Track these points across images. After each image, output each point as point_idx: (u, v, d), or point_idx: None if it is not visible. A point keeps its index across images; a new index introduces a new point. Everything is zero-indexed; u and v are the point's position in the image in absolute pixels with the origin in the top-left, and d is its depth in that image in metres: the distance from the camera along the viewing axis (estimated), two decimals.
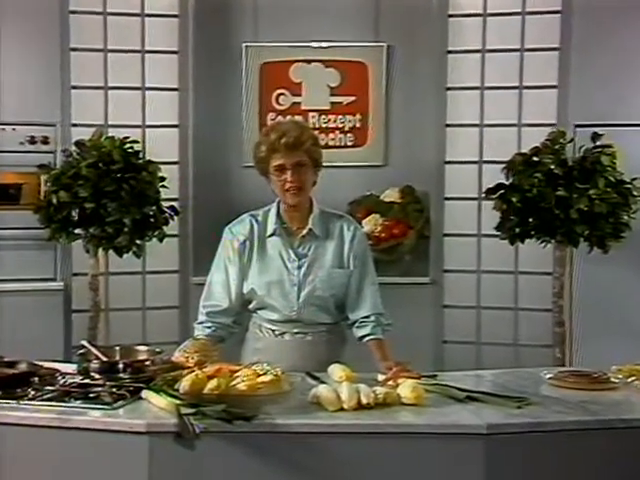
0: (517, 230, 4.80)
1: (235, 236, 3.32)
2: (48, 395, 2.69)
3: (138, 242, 4.85)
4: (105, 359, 2.94)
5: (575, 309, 5.22)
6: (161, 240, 4.94)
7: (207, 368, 2.69)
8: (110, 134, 4.98)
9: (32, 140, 5.22)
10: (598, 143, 4.70)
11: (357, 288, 3.30)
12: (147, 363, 2.89)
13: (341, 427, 2.53)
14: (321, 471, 2.52)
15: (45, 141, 5.23)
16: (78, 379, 2.85)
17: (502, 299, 5.45)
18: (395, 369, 2.97)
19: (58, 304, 5.26)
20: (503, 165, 4.83)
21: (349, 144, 5.70)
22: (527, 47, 5.35)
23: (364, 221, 5.40)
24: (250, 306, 3.34)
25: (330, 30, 5.56)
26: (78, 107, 5.31)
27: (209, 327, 3.28)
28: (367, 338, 3.28)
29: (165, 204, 4.97)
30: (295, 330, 3.29)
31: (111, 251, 4.88)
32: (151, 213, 4.86)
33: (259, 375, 2.61)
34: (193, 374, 2.61)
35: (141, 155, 4.95)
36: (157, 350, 3.02)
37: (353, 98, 5.68)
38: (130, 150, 4.84)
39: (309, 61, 5.66)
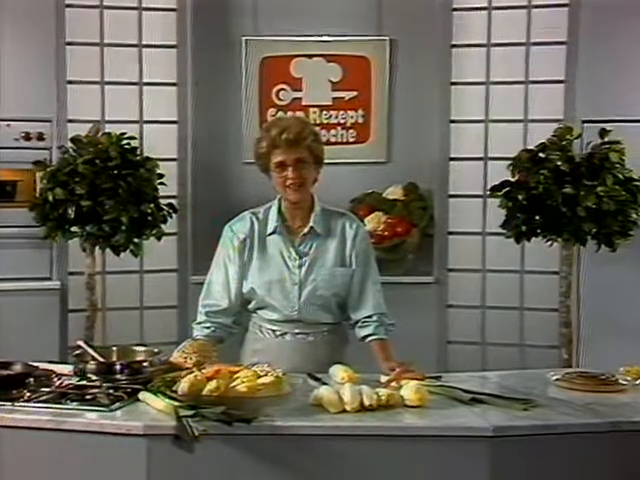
0: (523, 228, 4.77)
1: (235, 234, 3.32)
2: (44, 397, 2.70)
3: (136, 240, 4.83)
4: (102, 360, 2.94)
5: (582, 309, 5.19)
6: (159, 238, 4.92)
7: (206, 369, 2.68)
8: (107, 130, 4.96)
9: (27, 136, 5.18)
10: (606, 139, 4.67)
11: (359, 287, 3.30)
12: (145, 364, 2.89)
13: (343, 429, 2.53)
14: (323, 474, 2.52)
15: (40, 137, 5.19)
16: (74, 380, 2.86)
17: (507, 299, 5.41)
18: (398, 370, 2.98)
19: (54, 304, 5.22)
20: (509, 162, 4.80)
21: (351, 140, 5.68)
22: (533, 41, 5.29)
23: (366, 219, 5.36)
24: (250, 306, 3.33)
25: (332, 24, 5.53)
26: (74, 102, 5.25)
27: (208, 327, 3.28)
28: (370, 338, 3.28)
29: (163, 202, 4.94)
30: (296, 330, 3.28)
31: (108, 250, 4.86)
32: (149, 211, 4.82)
33: (259, 376, 2.61)
34: (192, 375, 2.61)
35: (139, 152, 4.93)
36: (155, 351, 3.02)
37: (355, 93, 5.66)
38: (127, 146, 4.81)
39: (310, 55, 5.63)
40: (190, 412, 2.48)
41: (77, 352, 3.01)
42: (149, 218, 4.83)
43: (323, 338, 3.29)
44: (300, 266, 3.25)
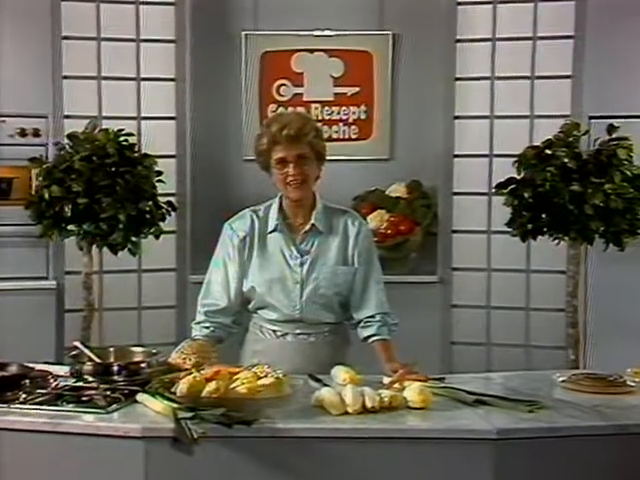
0: (529, 226, 4.74)
1: (235, 232, 3.30)
2: (40, 398, 2.70)
3: (133, 239, 4.81)
4: (99, 361, 2.94)
5: (589, 309, 5.18)
6: (157, 237, 4.89)
7: (205, 370, 2.67)
8: (104, 126, 4.94)
9: (23, 132, 5.18)
10: (614, 135, 4.63)
11: (362, 286, 3.28)
12: (142, 365, 2.89)
13: (345, 432, 2.52)
14: (325, 478, 2.51)
15: (36, 133, 5.19)
16: (71, 382, 2.86)
17: (513, 298, 5.39)
18: (401, 371, 2.97)
19: (50, 303, 5.20)
20: (514, 159, 4.77)
21: (353, 137, 5.68)
22: (540, 35, 5.27)
23: (369, 217, 5.35)
24: (250, 306, 3.31)
25: (333, 18, 5.52)
26: (70, 98, 5.24)
27: (207, 327, 3.26)
28: (372, 339, 3.26)
29: (162, 199, 4.92)
30: (297, 331, 3.26)
31: (105, 248, 4.84)
32: (147, 209, 4.80)
33: (259, 378, 2.60)
34: (191, 376, 2.60)
35: (136, 148, 4.92)
36: (153, 351, 3.02)
37: (357, 89, 5.65)
38: (125, 143, 4.79)
39: (311, 50, 5.62)
40: (189, 414, 2.47)
41: (74, 353, 3.00)
42: (147, 216, 4.81)
43: (325, 339, 3.27)
44: (301, 264, 3.23)
